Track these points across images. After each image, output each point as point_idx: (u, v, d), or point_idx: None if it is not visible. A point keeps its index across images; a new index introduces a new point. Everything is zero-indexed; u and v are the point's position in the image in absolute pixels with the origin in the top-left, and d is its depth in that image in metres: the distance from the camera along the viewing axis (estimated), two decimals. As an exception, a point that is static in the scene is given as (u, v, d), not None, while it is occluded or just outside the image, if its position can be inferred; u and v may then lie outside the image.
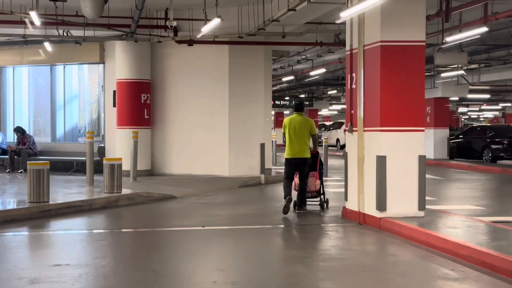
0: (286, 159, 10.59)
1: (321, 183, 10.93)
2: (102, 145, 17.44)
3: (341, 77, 27.53)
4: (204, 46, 15.99)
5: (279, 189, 14.93)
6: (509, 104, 44.09)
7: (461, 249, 6.92)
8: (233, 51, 16.15)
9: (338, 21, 12.23)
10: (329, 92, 35.00)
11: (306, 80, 26.46)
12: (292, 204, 10.44)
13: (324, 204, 10.89)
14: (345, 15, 9.31)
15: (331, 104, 45.64)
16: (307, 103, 36.48)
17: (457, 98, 31.09)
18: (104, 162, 12.18)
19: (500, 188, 15.93)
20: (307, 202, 10.79)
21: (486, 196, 14.00)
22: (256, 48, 16.21)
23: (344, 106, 48.58)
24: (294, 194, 10.61)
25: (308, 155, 10.49)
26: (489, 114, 50.41)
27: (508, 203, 12.39)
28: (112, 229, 9.35)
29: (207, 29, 13.00)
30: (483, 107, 44.87)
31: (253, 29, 14.05)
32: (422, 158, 8.89)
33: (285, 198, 10.21)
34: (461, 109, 47.34)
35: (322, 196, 10.93)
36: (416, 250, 7.48)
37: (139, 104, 16.58)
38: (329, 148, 38.73)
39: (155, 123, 17.02)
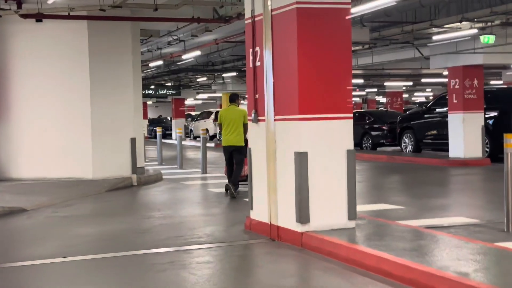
0: (223, 146, 11.42)
1: None
2: None
3: (212, 62, 25.40)
4: (58, 22, 13.12)
5: (155, 192, 12.53)
6: (374, 90, 44.36)
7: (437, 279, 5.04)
8: (93, 28, 13.42)
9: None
10: (198, 80, 32.71)
11: (178, 64, 23.86)
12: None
13: None
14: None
15: (198, 93, 43.42)
16: (174, 91, 33.99)
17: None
18: None
19: (403, 179, 14.66)
20: (239, 185, 11.39)
21: (395, 191, 12.56)
22: (121, 25, 13.61)
23: (213, 95, 46.84)
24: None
25: (242, 143, 11.20)
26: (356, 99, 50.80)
27: (421, 197, 10.95)
28: None
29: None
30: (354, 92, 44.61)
31: (118, 0, 11.50)
32: (351, 154, 6.97)
33: (227, 183, 11.36)
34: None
35: None
36: (361, 279, 5.51)
37: (-24, 94, 13.42)
38: (196, 139, 36.91)
39: (-2, 117, 13.92)
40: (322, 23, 6.86)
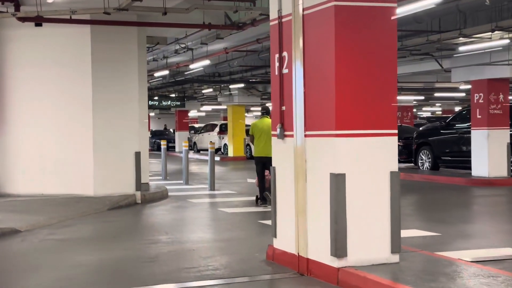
0: (256, 157, 11.81)
1: None
2: None
3: (218, 73, 24.42)
4: (59, 26, 12.20)
5: (161, 212, 11.55)
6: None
7: None
8: (97, 34, 12.48)
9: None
10: (203, 91, 31.71)
11: (185, 73, 22.71)
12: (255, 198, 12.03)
13: None
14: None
15: (202, 105, 42.40)
16: (178, 103, 33.00)
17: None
18: None
19: (427, 199, 13.66)
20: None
21: (423, 213, 11.57)
22: (127, 30, 12.68)
23: (217, 107, 45.77)
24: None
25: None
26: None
27: (454, 222, 9.95)
28: None
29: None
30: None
31: (124, 2, 10.57)
32: (395, 176, 5.99)
33: (260, 193, 11.77)
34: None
35: None
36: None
37: (-31, 103, 12.48)
38: (200, 152, 35.90)
39: (-7, 128, 12.96)
40: (364, 24, 5.91)
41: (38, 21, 11.66)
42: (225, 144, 33.24)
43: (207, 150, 35.76)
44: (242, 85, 25.59)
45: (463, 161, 17.42)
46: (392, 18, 5.98)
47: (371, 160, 5.91)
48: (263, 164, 11.53)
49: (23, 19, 11.52)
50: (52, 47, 12.65)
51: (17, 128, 12.88)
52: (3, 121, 12.94)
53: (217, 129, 35.84)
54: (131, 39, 12.80)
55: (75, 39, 12.54)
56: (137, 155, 12.81)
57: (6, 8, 11.58)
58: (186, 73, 21.28)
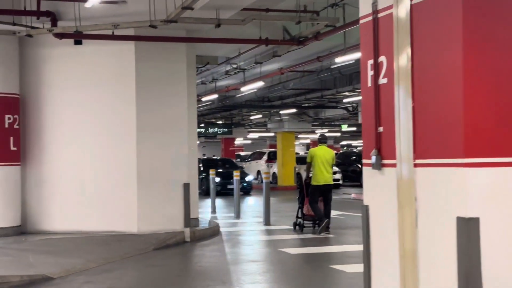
0: (316, 185, 11.76)
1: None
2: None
3: (268, 98, 22.95)
4: (99, 43, 11.00)
5: (214, 253, 10.04)
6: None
7: None
8: (142, 51, 11.21)
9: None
10: (252, 117, 30.34)
11: (237, 96, 21.04)
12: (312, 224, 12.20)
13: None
14: None
15: (249, 132, 41.06)
16: (225, 130, 31.72)
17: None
18: None
19: None
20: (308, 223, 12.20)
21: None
22: (175, 48, 11.37)
23: (264, 134, 44.38)
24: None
25: (332, 181, 12.01)
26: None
27: None
28: None
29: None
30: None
31: (173, 13, 9.26)
32: (546, 220, 4.33)
33: (320, 219, 11.73)
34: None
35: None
36: None
37: (1, 129, 11.27)
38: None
39: (28, 158, 11.73)
40: (504, 12, 4.34)
41: (77, 37, 10.49)
42: (273, 173, 31.79)
43: (255, 179, 34.40)
44: (294, 110, 24.11)
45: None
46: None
47: (514, 198, 4.29)
48: (322, 193, 11.84)
49: (60, 36, 10.34)
50: (92, 67, 11.43)
51: (53, 157, 11.65)
52: (39, 149, 11.72)
53: (265, 157, 34.45)
54: (180, 58, 11.48)
55: (118, 58, 11.30)
56: (186, 186, 11.40)
57: (43, 23, 10.41)
58: (237, 96, 19.81)
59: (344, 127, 34.91)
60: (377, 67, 5.17)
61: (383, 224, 5.10)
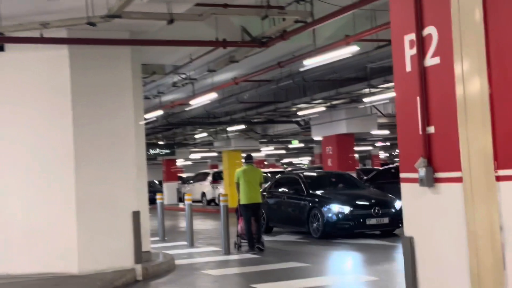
0: (244, 205, 12.17)
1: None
2: None
3: (213, 114, 21.27)
4: (26, 48, 9.16)
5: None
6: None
7: None
8: (78, 58, 9.40)
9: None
10: (196, 136, 28.59)
11: (186, 110, 18.66)
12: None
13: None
14: None
15: (191, 153, 39.24)
16: (168, 151, 29.87)
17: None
18: None
19: None
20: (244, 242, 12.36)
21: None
22: (118, 54, 9.62)
23: (207, 154, 42.61)
24: None
25: (260, 200, 12.43)
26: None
27: None
28: None
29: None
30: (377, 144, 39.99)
31: (116, 5, 7.60)
32: None
33: (249, 241, 12.11)
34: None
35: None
36: None
37: None
38: (193, 204, 32.50)
39: None
40: None
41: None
42: (219, 194, 30.19)
43: (199, 201, 32.59)
44: (243, 126, 22.59)
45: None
46: None
47: None
48: (253, 211, 12.11)
49: (-25, 39, 8.47)
50: (17, 78, 9.54)
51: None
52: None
53: (209, 178, 32.78)
54: (124, 65, 9.75)
55: (49, 66, 9.46)
56: (135, 215, 9.66)
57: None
58: (186, 110, 17.98)
59: (295, 143, 33.66)
60: (421, 43, 3.71)
61: (440, 265, 3.61)
